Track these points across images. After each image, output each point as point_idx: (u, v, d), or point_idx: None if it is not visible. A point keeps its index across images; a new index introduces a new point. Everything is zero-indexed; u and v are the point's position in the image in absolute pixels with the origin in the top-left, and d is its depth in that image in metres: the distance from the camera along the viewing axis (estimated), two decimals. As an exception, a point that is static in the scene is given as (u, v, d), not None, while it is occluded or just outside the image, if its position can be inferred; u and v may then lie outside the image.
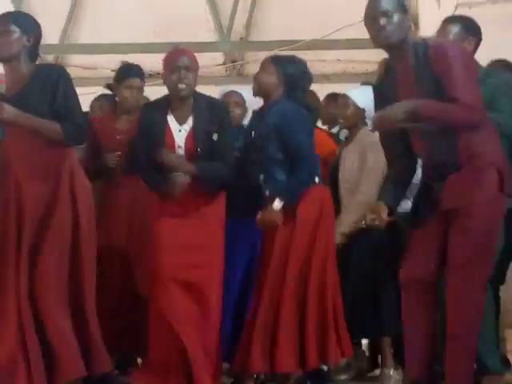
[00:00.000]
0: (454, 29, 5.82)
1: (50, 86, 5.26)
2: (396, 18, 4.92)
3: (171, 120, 5.89)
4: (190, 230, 5.83)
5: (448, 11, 10.62)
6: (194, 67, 5.84)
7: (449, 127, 4.89)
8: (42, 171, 5.31)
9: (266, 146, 5.91)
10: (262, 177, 5.94)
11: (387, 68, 5.14)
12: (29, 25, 5.37)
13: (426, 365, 4.97)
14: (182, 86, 5.78)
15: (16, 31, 5.27)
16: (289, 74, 5.96)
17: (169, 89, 5.86)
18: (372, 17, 4.94)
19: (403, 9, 4.98)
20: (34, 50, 5.35)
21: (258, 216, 5.80)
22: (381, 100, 5.20)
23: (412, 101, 4.87)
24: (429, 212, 5.00)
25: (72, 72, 12.47)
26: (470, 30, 5.89)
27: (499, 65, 6.32)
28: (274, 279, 5.84)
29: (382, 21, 4.89)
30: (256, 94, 6.09)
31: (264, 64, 6.07)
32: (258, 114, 6.08)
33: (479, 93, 4.96)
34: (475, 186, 4.89)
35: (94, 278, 5.46)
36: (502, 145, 5.28)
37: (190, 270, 5.80)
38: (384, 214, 5.01)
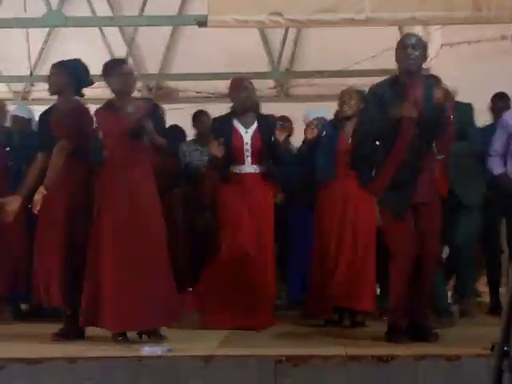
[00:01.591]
0: None
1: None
2: (419, 52, 4.97)
3: (237, 124, 5.87)
4: (250, 208, 5.77)
5: (436, 49, 10.89)
6: (254, 88, 5.97)
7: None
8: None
9: None
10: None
11: (394, 83, 5.04)
12: None
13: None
14: (249, 100, 5.87)
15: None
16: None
17: (238, 103, 5.88)
18: (403, 47, 4.96)
19: (424, 48, 5.03)
20: None
21: None
22: (378, 102, 5.01)
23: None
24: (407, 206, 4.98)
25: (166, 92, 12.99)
26: None
27: None
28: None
29: (409, 50, 4.93)
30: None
31: (352, 93, 5.97)
32: None
33: None
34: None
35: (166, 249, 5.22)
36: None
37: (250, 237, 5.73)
38: None
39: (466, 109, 5.96)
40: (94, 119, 5.37)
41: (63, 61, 5.56)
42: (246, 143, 5.84)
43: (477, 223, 6.14)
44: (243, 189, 5.80)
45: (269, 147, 5.87)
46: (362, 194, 5.83)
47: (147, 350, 4.73)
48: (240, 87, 5.91)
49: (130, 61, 11.75)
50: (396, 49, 5.02)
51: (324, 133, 6.12)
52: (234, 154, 5.83)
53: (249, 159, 5.84)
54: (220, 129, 5.91)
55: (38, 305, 5.72)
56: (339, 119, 6.07)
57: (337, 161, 5.96)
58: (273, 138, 5.90)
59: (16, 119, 6.84)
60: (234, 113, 5.95)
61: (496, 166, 6.05)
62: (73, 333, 5.31)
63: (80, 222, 5.31)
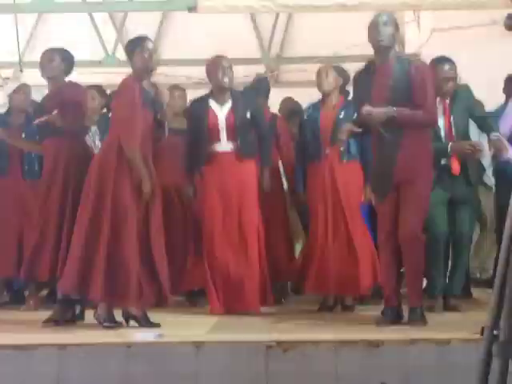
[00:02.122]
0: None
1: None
2: (390, 30, 5.08)
3: (212, 103, 5.91)
4: (234, 188, 5.82)
5: (426, 34, 10.85)
6: (231, 67, 5.96)
7: (412, 128, 4.96)
8: None
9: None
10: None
11: (368, 65, 5.17)
12: None
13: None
14: (226, 79, 5.90)
15: None
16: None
17: (214, 82, 5.92)
18: (374, 24, 5.07)
19: (396, 27, 5.14)
20: None
21: None
22: (357, 88, 5.24)
23: (390, 108, 4.92)
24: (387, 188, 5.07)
25: (155, 79, 12.96)
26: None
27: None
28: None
29: (380, 28, 5.04)
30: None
31: (329, 70, 6.05)
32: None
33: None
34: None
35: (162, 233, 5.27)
36: None
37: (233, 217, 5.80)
38: None
39: (468, 92, 5.84)
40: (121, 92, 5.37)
41: (58, 48, 5.81)
42: (221, 121, 5.88)
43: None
44: (221, 167, 5.85)
45: (246, 123, 5.89)
46: (347, 170, 5.96)
47: (139, 335, 4.74)
48: (217, 66, 5.94)
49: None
50: (368, 28, 5.09)
51: (305, 116, 6.18)
52: (209, 133, 5.88)
53: (224, 137, 5.87)
54: (196, 109, 6.00)
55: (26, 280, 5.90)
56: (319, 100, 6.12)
57: (321, 141, 6.01)
58: (248, 115, 5.90)
59: (31, 102, 6.90)
60: (211, 92, 6.02)
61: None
62: (63, 319, 5.28)
63: (72, 199, 5.36)
